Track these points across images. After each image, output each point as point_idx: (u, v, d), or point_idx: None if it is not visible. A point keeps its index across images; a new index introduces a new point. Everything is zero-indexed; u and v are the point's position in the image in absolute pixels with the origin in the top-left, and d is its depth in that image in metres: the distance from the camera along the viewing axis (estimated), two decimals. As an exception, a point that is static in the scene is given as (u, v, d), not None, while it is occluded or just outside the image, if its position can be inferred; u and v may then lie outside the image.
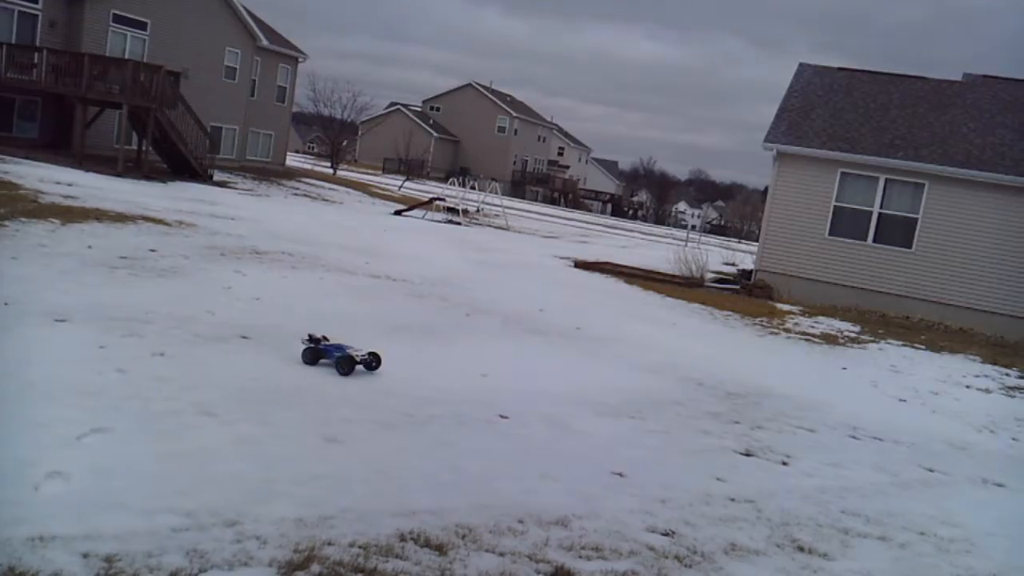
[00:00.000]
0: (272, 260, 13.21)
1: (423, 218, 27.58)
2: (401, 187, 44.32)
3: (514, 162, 77.41)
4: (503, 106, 76.91)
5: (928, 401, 10.98)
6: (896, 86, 22.34)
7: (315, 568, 4.06)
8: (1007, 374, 13.49)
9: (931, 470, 7.64)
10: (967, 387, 12.19)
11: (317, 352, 7.84)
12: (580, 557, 4.66)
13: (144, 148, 23.35)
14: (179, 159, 24.28)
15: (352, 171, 53.09)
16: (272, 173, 32.87)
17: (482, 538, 4.69)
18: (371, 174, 55.08)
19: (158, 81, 22.40)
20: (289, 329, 8.75)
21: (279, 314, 9.65)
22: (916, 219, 19.32)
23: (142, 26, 26.58)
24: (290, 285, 11.61)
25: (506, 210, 33.67)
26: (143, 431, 5.50)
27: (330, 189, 32.73)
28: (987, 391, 12.13)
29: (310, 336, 8.02)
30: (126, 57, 24.33)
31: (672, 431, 7.62)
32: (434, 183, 49.36)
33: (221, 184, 25.24)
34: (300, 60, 36.09)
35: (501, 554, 4.54)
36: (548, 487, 5.65)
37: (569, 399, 8.03)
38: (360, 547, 4.35)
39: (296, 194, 28.44)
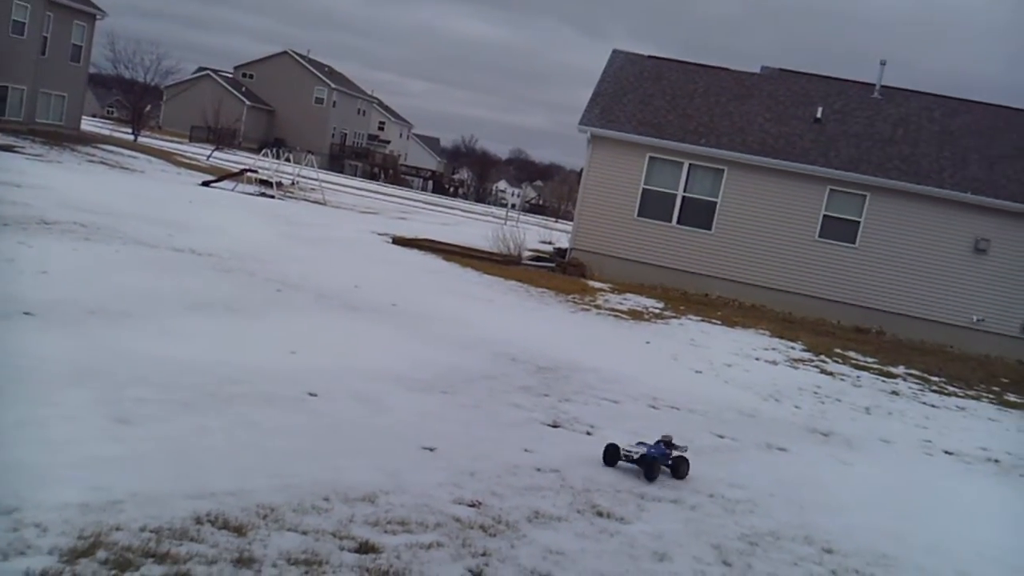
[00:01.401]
0: (62, 231, 12.23)
1: (233, 190, 26.44)
2: (210, 157, 42.24)
3: (332, 135, 75.64)
4: (321, 76, 74.85)
5: (722, 373, 11.73)
6: (701, 76, 23.56)
7: (101, 554, 3.81)
8: (792, 347, 14.62)
9: (721, 436, 8.17)
10: (757, 359, 13.11)
11: None
12: (386, 532, 4.63)
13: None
14: (-47, 118, 21.97)
15: (156, 139, 50.02)
16: (66, 138, 30.41)
17: (284, 517, 4.57)
18: (177, 142, 52.09)
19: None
20: (83, 305, 8.14)
21: (69, 288, 8.95)
22: (716, 203, 20.52)
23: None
24: (82, 258, 10.80)
25: (323, 184, 32.87)
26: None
27: (131, 157, 30.69)
28: (774, 363, 13.10)
29: None
30: None
31: (483, 405, 7.72)
32: (246, 154, 47.41)
33: (5, 148, 23.08)
34: (98, 17, 33.51)
35: (304, 532, 4.43)
36: (356, 464, 5.57)
37: (381, 375, 7.96)
38: (152, 531, 4.13)
39: (92, 161, 26.47)
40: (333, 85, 75.04)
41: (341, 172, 65.26)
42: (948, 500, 7.69)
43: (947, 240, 19.68)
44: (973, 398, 13.13)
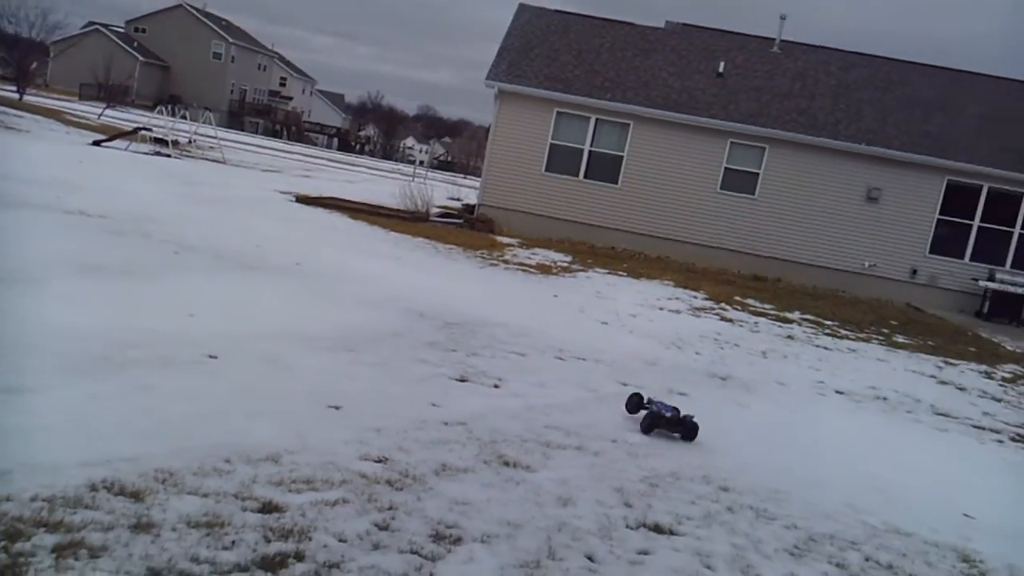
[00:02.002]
0: (-61, 194, 11.56)
1: (126, 150, 25.39)
2: (101, 115, 40.38)
3: (231, 91, 73.24)
4: (218, 31, 72.16)
5: (627, 323, 11.97)
6: (607, 30, 23.64)
7: (-11, 527, 3.68)
8: (695, 297, 15.01)
9: (625, 384, 8.36)
10: (661, 309, 13.42)
11: None
12: (290, 491, 4.60)
13: None
14: None
15: (43, 97, 47.52)
16: (-60, 95, 28.59)
17: (184, 481, 4.49)
18: (66, 101, 49.60)
19: None
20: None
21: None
22: (622, 157, 20.78)
23: None
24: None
25: (222, 142, 31.87)
26: None
27: (16, 116, 29.09)
28: (677, 312, 13.44)
29: None
30: None
31: (390, 362, 7.70)
32: (140, 111, 45.51)
33: None
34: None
35: (205, 495, 4.37)
36: (259, 425, 5.50)
37: (285, 336, 7.84)
38: (44, 500, 4.00)
39: (-28, 120, 25.00)
40: (231, 40, 72.48)
41: (241, 130, 63.34)
42: (838, 437, 8.08)
43: (841, 190, 20.43)
44: (864, 340, 13.75)
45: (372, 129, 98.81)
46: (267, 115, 75.51)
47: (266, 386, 6.40)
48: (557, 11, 24.39)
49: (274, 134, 69.32)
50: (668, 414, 6.83)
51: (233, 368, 6.63)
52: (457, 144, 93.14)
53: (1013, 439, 9.07)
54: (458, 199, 27.10)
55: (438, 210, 22.21)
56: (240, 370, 6.63)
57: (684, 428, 6.78)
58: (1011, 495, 7.17)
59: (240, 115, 71.96)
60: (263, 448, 5.11)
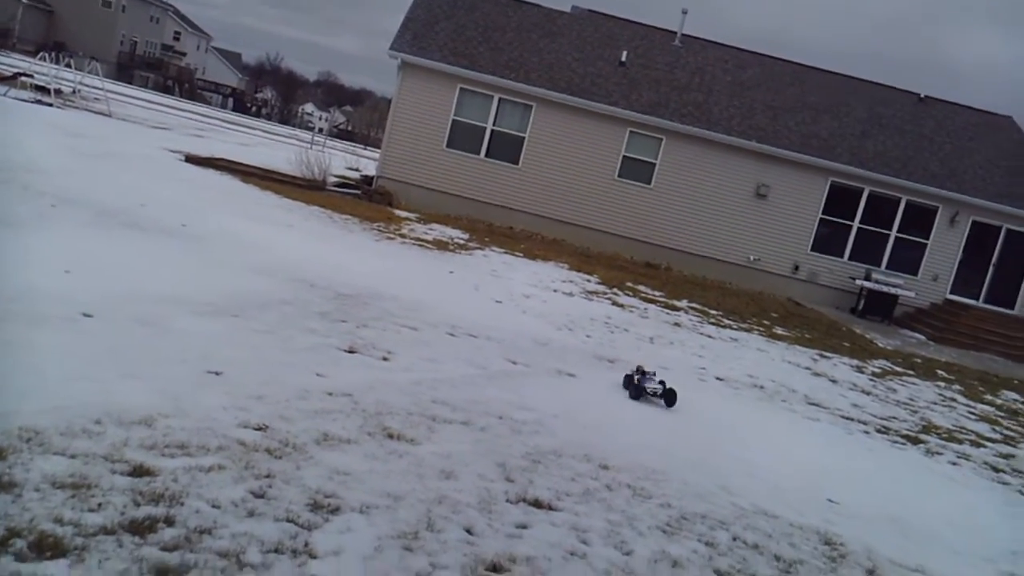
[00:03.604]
0: None
1: (5, 95, 23.91)
2: (-22, 57, 37.85)
3: (121, 43, 69.76)
4: (110, -23, 68.52)
5: (520, 303, 12.06)
6: (514, 10, 23.60)
7: None
8: (588, 280, 15.24)
9: (515, 363, 8.43)
10: (555, 291, 13.57)
11: None
12: (163, 455, 4.46)
13: None
14: None
15: (-88, 31, 44.19)
16: None
17: (51, 441, 4.29)
18: (-62, 38, 46.25)
19: None
20: None
21: None
22: (523, 138, 20.83)
23: None
24: None
25: (108, 94, 30.37)
26: None
27: None
28: (570, 295, 13.62)
29: None
30: None
31: (277, 330, 7.53)
32: (21, 56, 42.87)
33: None
34: None
35: (72, 456, 4.18)
36: (133, 387, 5.30)
37: (166, 298, 7.56)
38: None
39: None
40: (124, -13, 68.91)
41: (130, 83, 60.44)
42: (716, 422, 8.36)
43: (732, 184, 21.06)
44: (745, 330, 14.26)
45: (270, 92, 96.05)
46: (158, 70, 72.24)
47: (143, 348, 6.16)
48: (465, -14, 24.17)
49: (165, 90, 66.43)
50: (652, 385, 8.33)
51: (109, 328, 6.36)
52: (358, 113, 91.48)
53: (878, 430, 9.59)
54: (357, 170, 26.65)
55: (336, 179, 21.79)
56: (116, 331, 6.36)
57: (666, 396, 8.20)
58: (872, 483, 7.58)
59: (129, 68, 68.63)
60: (136, 411, 4.92)
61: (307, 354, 7.06)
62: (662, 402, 8.19)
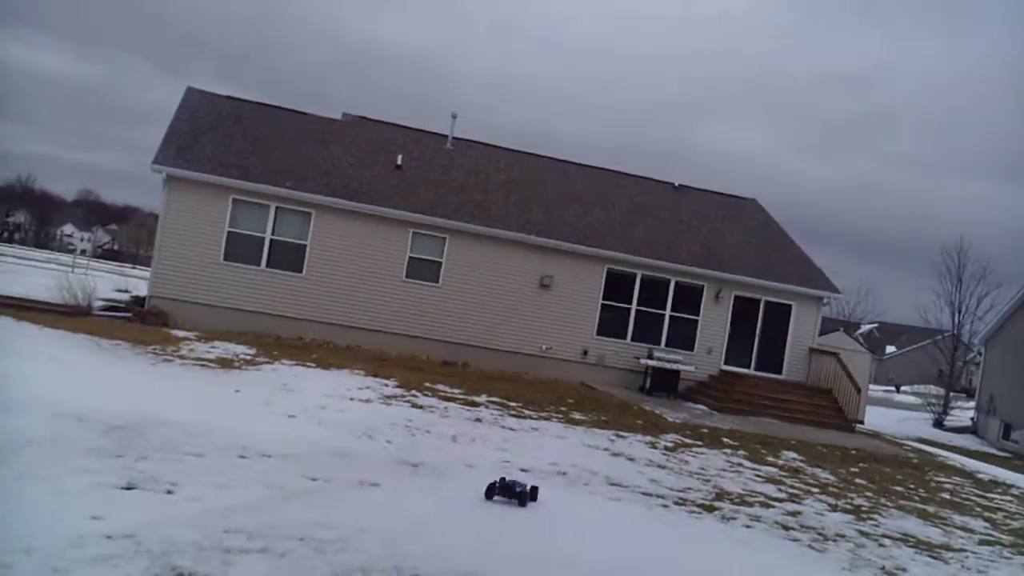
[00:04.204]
0: None
1: None
2: None
3: None
4: None
5: (315, 415, 11.59)
6: (283, 119, 23.53)
7: None
8: (385, 385, 14.95)
9: (314, 479, 8.00)
10: (351, 399, 13.19)
11: None
12: None
13: None
14: None
15: None
16: None
17: None
18: None
19: None
20: None
21: None
22: (305, 245, 20.49)
23: None
24: None
25: None
26: None
27: None
28: (368, 401, 13.28)
29: None
30: None
31: (41, 473, 6.72)
32: None
33: None
34: None
35: None
36: None
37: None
38: None
39: None
40: None
41: None
42: (523, 516, 8.29)
43: (517, 277, 21.71)
44: (545, 419, 14.47)
45: (23, 215, 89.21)
46: None
47: None
48: (228, 97, 23.83)
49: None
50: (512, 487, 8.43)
51: None
52: (125, 231, 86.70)
53: (676, 503, 9.91)
54: (127, 291, 25.07)
55: (103, 303, 20.35)
56: None
57: (519, 496, 8.33)
58: (674, 552, 7.76)
59: None
60: None
61: (79, 496, 6.34)
62: (515, 503, 8.33)
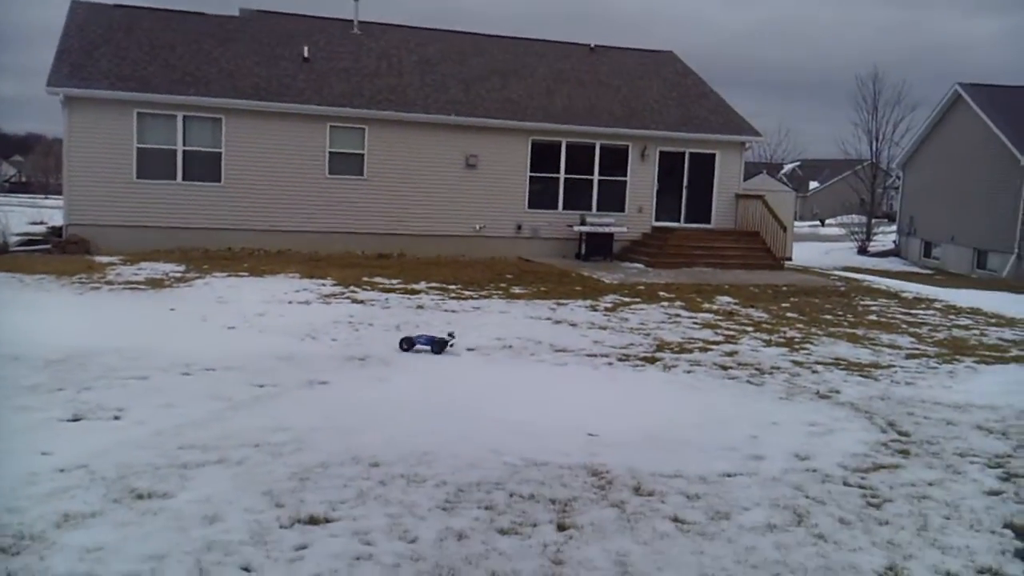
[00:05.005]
0: None
1: None
2: None
3: None
4: None
5: (255, 323, 11.58)
6: (179, 22, 22.38)
7: None
8: (323, 284, 14.91)
9: (262, 386, 8.09)
10: (289, 303, 13.16)
11: None
12: None
13: None
14: None
15: None
16: None
17: None
18: None
19: None
20: None
21: None
22: (220, 153, 19.90)
23: None
24: None
25: None
26: None
27: None
28: (307, 303, 13.26)
29: None
30: None
31: (-19, 417, 6.68)
32: None
33: None
34: None
35: None
36: None
37: None
38: None
39: None
40: None
41: None
42: (476, 390, 8.54)
43: (442, 160, 21.47)
44: (486, 297, 14.66)
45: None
46: None
47: None
48: (117, 6, 22.48)
49: None
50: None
51: None
52: (31, 162, 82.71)
53: (620, 359, 10.26)
54: (42, 223, 24.21)
55: (19, 238, 19.69)
56: None
57: (434, 344, 9.99)
58: (623, 408, 8.11)
59: None
60: None
61: (26, 435, 6.34)
62: (428, 349, 9.96)
